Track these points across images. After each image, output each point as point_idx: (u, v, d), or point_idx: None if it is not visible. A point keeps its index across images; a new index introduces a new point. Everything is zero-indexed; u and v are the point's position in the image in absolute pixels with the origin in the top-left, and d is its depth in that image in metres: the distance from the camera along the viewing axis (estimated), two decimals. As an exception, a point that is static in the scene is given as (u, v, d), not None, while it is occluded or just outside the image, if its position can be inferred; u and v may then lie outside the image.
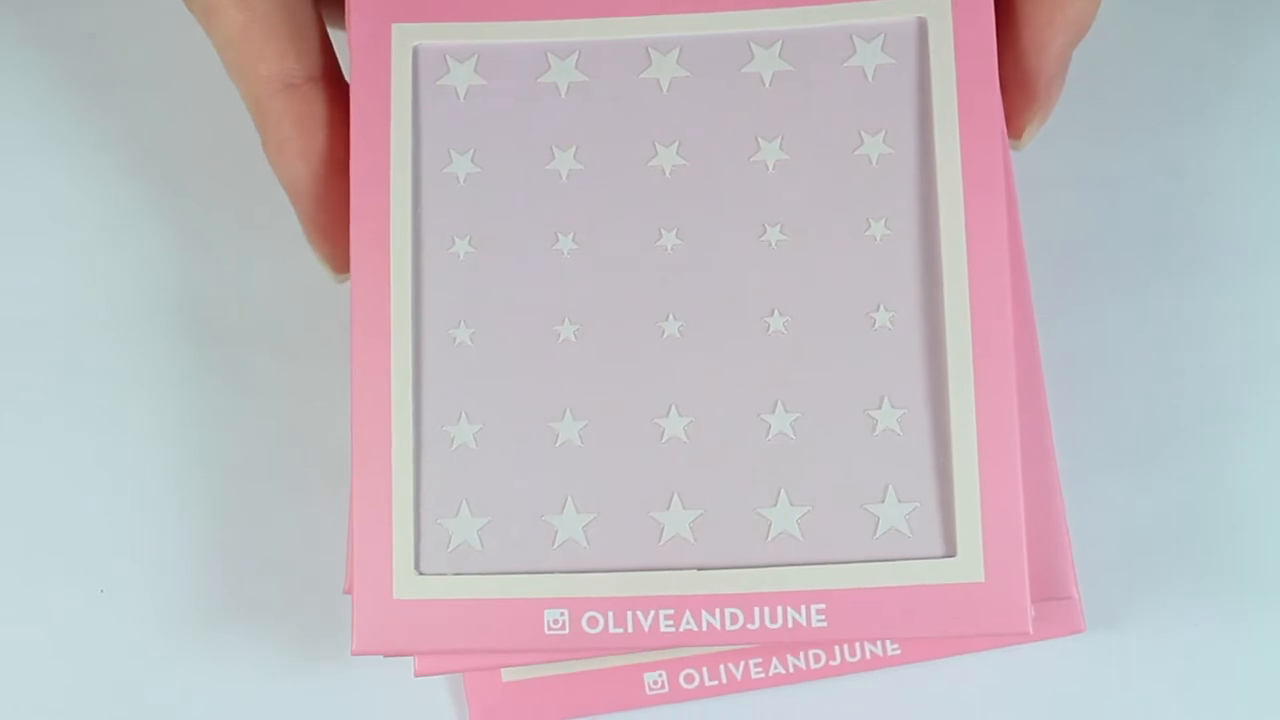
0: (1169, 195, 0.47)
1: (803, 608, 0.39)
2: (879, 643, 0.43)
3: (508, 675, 0.44)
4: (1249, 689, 0.44)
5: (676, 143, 0.41)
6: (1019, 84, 0.42)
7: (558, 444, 0.40)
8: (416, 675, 0.41)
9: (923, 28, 0.41)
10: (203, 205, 0.48)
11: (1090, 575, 0.44)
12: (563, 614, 0.39)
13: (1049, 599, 0.41)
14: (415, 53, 0.41)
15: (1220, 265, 0.47)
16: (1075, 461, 0.45)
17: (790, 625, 0.39)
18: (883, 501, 0.39)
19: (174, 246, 0.48)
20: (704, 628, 0.39)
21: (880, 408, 0.40)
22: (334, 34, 0.44)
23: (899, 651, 0.43)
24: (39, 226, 0.48)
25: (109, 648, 0.45)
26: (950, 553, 0.39)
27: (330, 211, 0.42)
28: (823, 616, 0.39)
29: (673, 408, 0.40)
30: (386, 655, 0.40)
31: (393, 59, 0.41)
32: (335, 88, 0.43)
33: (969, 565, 0.39)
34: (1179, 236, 0.47)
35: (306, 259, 0.43)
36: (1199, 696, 0.44)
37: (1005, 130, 0.41)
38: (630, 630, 0.39)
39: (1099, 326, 0.46)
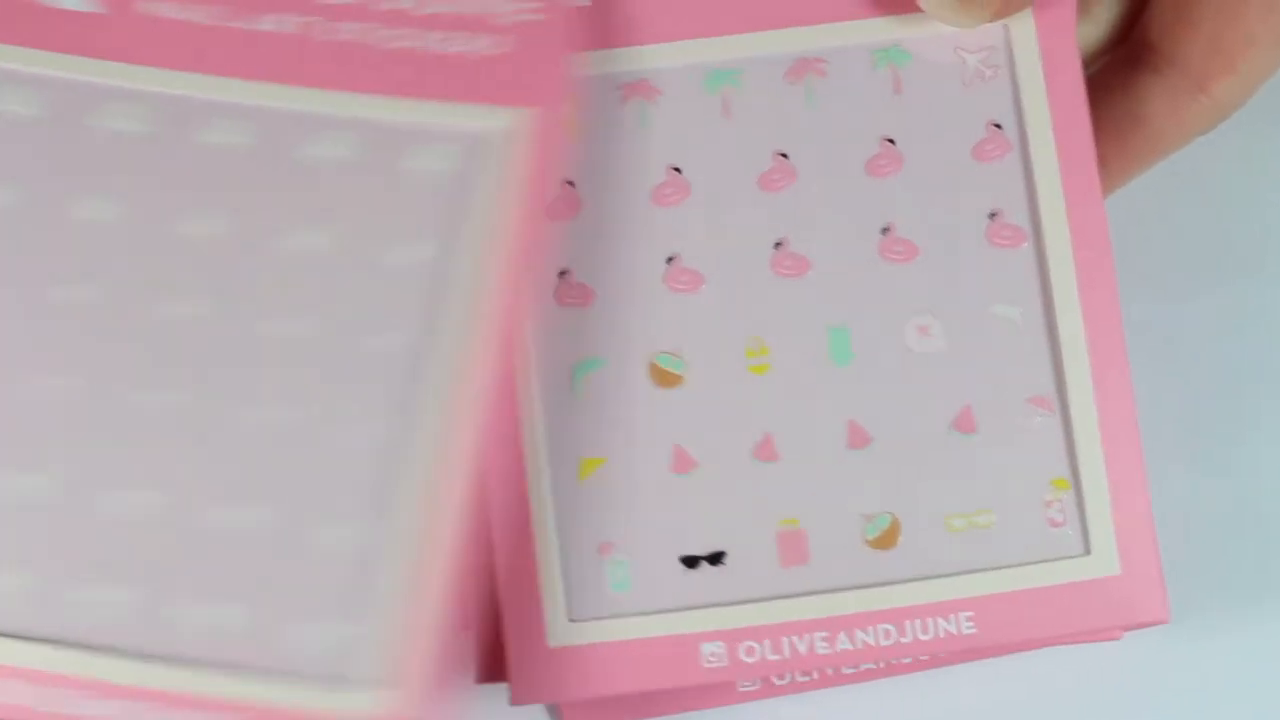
0: (1168, 196, 0.48)
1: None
2: (953, 621, 0.40)
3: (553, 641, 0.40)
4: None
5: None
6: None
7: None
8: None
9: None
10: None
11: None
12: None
13: (1144, 625, 0.41)
14: None
15: (1219, 266, 0.47)
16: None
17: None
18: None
19: None
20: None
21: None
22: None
23: (974, 631, 0.40)
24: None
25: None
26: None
27: None
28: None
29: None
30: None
31: None
32: None
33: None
34: (1178, 238, 0.48)
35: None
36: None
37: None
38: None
39: None
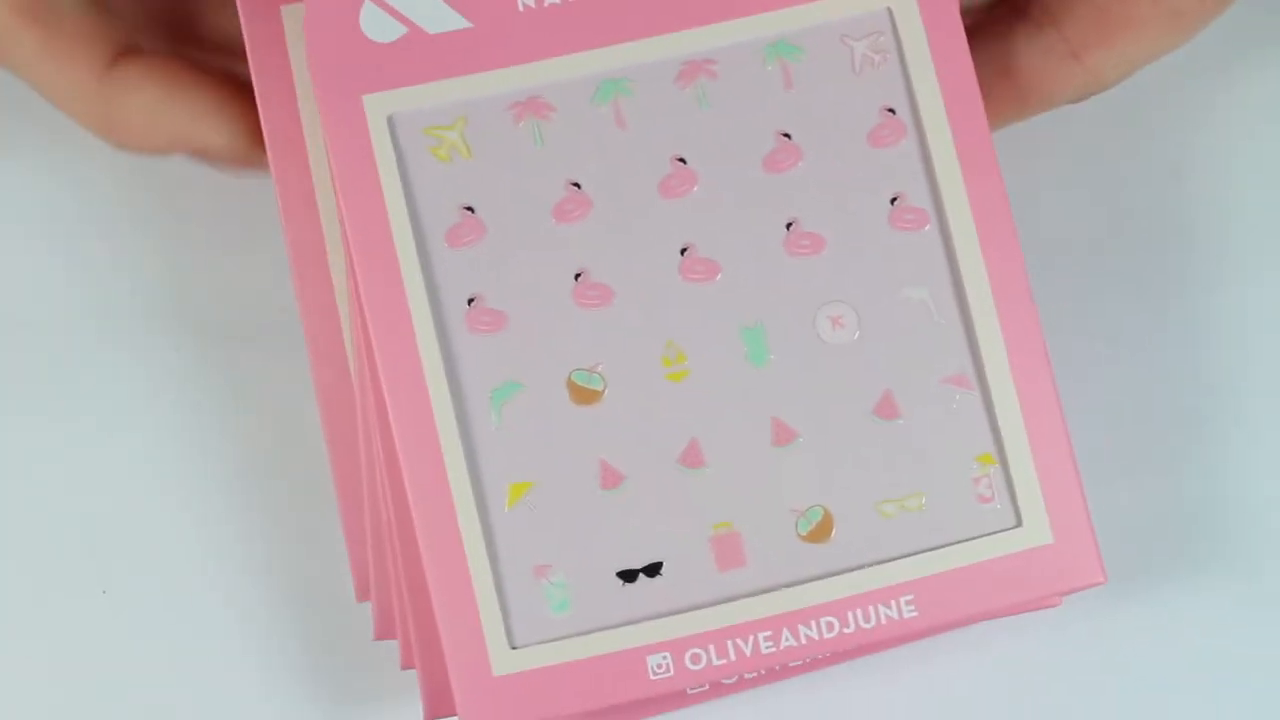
0: (1170, 195, 0.48)
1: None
2: (894, 606, 0.40)
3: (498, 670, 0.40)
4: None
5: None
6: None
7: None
8: None
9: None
10: (206, 203, 0.47)
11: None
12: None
13: (1082, 588, 0.41)
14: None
15: (1219, 265, 0.48)
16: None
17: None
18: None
19: (174, 245, 0.47)
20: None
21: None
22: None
23: (915, 614, 0.40)
24: (37, 227, 0.47)
25: (110, 648, 0.45)
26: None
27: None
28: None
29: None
30: None
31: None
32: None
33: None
34: (1178, 235, 0.48)
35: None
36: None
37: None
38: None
39: (1097, 326, 0.47)
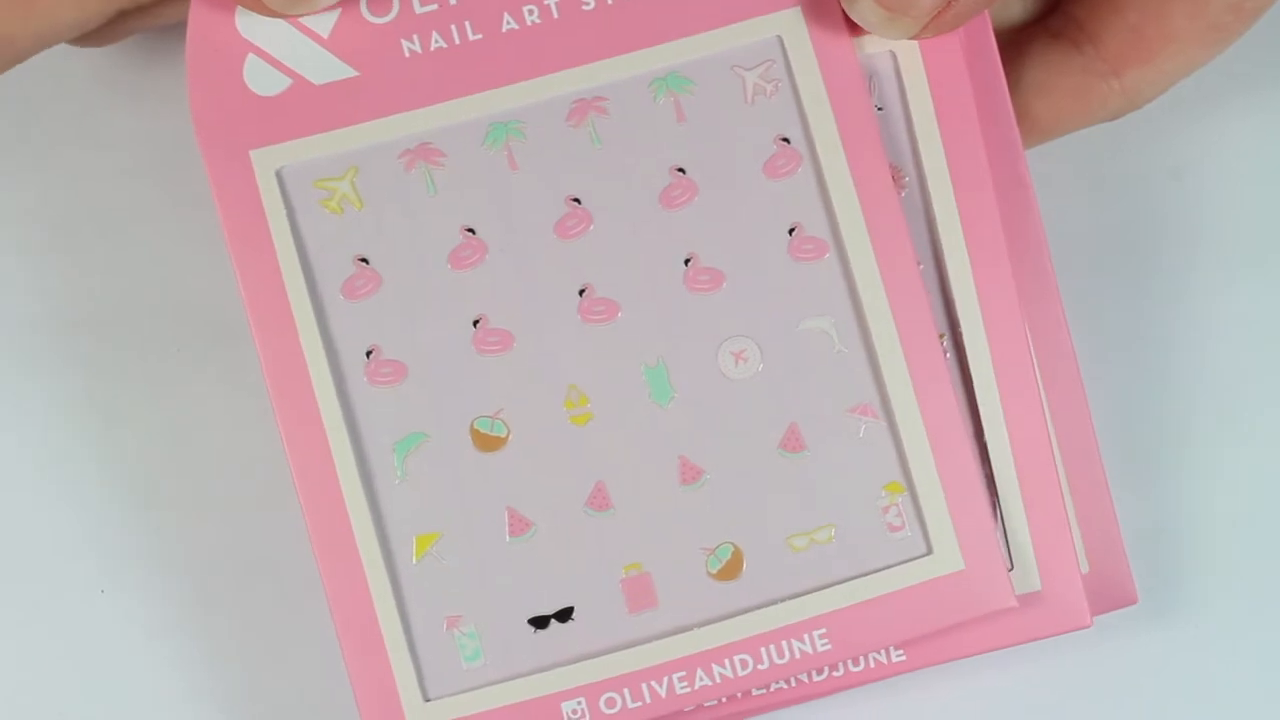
0: (1169, 196, 0.47)
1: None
2: (807, 640, 0.40)
3: None
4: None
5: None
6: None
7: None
8: None
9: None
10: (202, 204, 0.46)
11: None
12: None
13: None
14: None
15: (1220, 266, 0.47)
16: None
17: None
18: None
19: (175, 246, 0.47)
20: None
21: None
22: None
23: (829, 647, 0.40)
24: (39, 227, 0.47)
25: (109, 648, 0.45)
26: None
27: None
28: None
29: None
30: None
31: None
32: None
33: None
34: (1178, 237, 0.47)
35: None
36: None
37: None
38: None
39: (1097, 327, 0.47)
